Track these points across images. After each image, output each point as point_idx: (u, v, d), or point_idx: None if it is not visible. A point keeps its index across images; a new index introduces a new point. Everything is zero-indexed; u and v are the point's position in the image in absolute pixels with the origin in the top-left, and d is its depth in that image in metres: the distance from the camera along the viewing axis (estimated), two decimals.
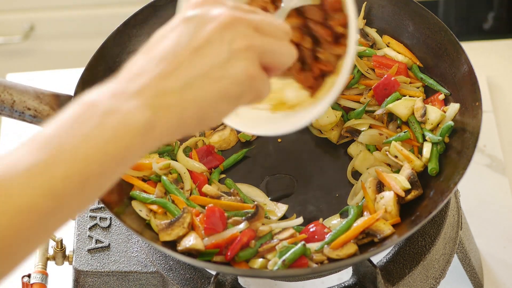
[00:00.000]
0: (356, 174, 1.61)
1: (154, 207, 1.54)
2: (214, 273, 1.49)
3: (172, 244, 1.48)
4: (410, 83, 1.66)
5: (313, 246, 1.47)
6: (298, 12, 1.39)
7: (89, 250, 1.59)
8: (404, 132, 1.59)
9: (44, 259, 1.60)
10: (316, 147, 1.68)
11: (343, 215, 1.56)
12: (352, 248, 1.46)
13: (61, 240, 1.61)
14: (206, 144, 1.67)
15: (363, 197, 1.55)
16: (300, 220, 1.54)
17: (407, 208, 1.52)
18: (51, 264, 1.62)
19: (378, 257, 1.54)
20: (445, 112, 1.58)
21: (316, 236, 1.49)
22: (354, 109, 1.67)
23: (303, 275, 1.52)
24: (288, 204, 1.59)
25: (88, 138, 0.99)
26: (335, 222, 1.55)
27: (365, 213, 1.53)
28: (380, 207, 1.50)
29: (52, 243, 1.62)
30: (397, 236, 1.45)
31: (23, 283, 1.57)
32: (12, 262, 0.99)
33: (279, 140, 1.68)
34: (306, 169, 1.64)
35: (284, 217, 1.57)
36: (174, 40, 1.09)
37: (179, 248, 1.46)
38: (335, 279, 1.68)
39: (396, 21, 1.69)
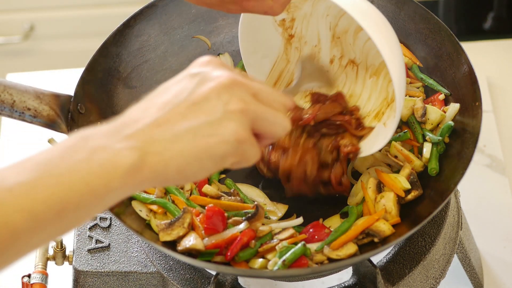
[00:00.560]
0: (356, 174, 1.61)
1: (154, 207, 1.54)
2: (214, 273, 1.49)
3: (172, 244, 1.48)
4: (410, 83, 1.66)
5: (313, 246, 1.47)
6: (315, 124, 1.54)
7: (89, 250, 1.59)
8: (404, 132, 1.59)
9: (44, 259, 1.60)
10: None
11: (343, 215, 1.56)
12: (352, 248, 1.46)
13: (61, 240, 1.61)
14: None
15: (363, 197, 1.55)
16: (300, 220, 1.54)
17: (407, 208, 1.52)
18: (51, 264, 1.62)
19: (378, 257, 1.54)
20: (445, 112, 1.58)
21: (316, 236, 1.49)
22: None
23: (303, 275, 1.52)
24: (288, 204, 1.59)
25: (74, 169, 1.04)
26: (335, 222, 1.55)
27: (365, 212, 1.53)
28: (380, 207, 1.50)
29: (52, 243, 1.62)
30: (397, 236, 1.45)
31: (23, 283, 1.57)
32: None
33: None
34: None
35: (284, 217, 1.57)
36: (175, 93, 1.14)
37: (179, 248, 1.46)
38: (335, 279, 1.68)
39: (396, 21, 1.69)
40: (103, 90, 1.63)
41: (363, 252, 1.47)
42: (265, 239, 1.48)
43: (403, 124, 1.62)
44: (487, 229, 1.90)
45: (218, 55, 1.76)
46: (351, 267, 1.54)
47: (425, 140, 1.58)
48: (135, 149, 1.07)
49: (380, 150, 1.60)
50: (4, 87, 1.48)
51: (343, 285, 1.53)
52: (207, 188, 1.57)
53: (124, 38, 1.67)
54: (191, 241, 1.45)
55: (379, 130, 1.55)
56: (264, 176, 1.60)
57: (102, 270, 1.57)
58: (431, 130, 1.58)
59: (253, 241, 1.46)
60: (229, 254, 1.45)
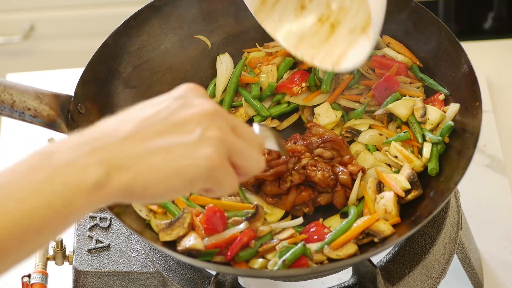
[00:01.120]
0: None
1: (154, 207, 1.54)
2: (214, 273, 1.49)
3: (172, 244, 1.48)
4: (410, 83, 1.66)
5: (313, 246, 1.47)
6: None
7: (89, 250, 1.59)
8: (404, 132, 1.59)
9: (44, 259, 1.60)
10: None
11: (343, 215, 1.56)
12: (352, 248, 1.46)
13: (61, 240, 1.61)
14: None
15: (363, 197, 1.55)
16: (300, 220, 1.54)
17: (407, 208, 1.52)
18: (51, 264, 1.62)
19: (378, 257, 1.54)
20: (445, 112, 1.58)
21: (316, 236, 1.49)
22: (354, 109, 1.67)
23: (303, 275, 1.52)
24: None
25: (36, 191, 1.00)
26: (335, 222, 1.55)
27: (365, 212, 1.53)
28: (380, 207, 1.50)
29: (52, 243, 1.62)
30: (397, 236, 1.45)
31: (23, 283, 1.57)
32: None
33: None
34: None
35: (282, 218, 1.57)
36: (155, 111, 1.12)
37: (179, 248, 1.46)
38: (335, 279, 1.68)
39: (396, 21, 1.69)
40: (103, 90, 1.63)
41: (363, 252, 1.47)
42: (265, 239, 1.48)
43: (403, 124, 1.62)
44: (487, 229, 1.90)
45: (218, 55, 1.76)
46: (351, 267, 1.54)
47: (425, 140, 1.58)
48: (101, 164, 1.04)
49: (378, 149, 1.60)
50: (4, 87, 1.48)
51: (343, 285, 1.53)
52: None
53: (124, 38, 1.67)
54: (191, 241, 1.45)
55: (364, 43, 1.53)
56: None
57: (102, 270, 1.57)
58: (431, 130, 1.58)
59: (253, 241, 1.46)
60: (229, 254, 1.45)
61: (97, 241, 1.60)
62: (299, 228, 1.52)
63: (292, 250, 1.44)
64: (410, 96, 1.63)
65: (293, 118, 1.72)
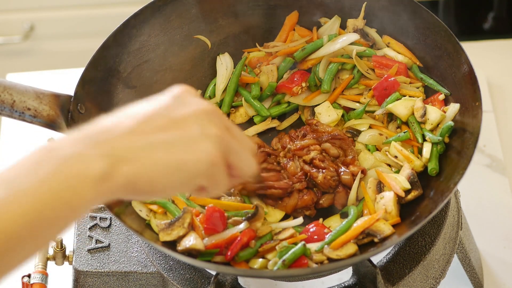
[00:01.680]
0: None
1: (154, 207, 1.54)
2: (214, 273, 1.49)
3: (172, 244, 1.48)
4: (410, 83, 1.66)
5: (313, 246, 1.47)
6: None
7: (89, 250, 1.59)
8: (404, 132, 1.59)
9: (44, 259, 1.60)
10: None
11: (343, 215, 1.56)
12: (352, 248, 1.46)
13: (61, 240, 1.61)
14: None
15: (363, 197, 1.55)
16: (300, 220, 1.54)
17: (407, 208, 1.52)
18: (51, 264, 1.62)
19: (378, 257, 1.54)
20: (445, 112, 1.58)
21: (316, 236, 1.49)
22: (354, 109, 1.67)
23: (303, 275, 1.52)
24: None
25: (44, 182, 1.01)
26: (335, 222, 1.55)
27: (365, 212, 1.53)
28: (380, 207, 1.50)
29: (52, 243, 1.62)
30: (397, 236, 1.45)
31: (23, 283, 1.57)
32: None
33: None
34: None
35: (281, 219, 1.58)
36: (156, 107, 1.14)
37: (179, 248, 1.46)
38: (335, 279, 1.68)
39: (396, 21, 1.69)
40: (103, 90, 1.63)
41: (363, 252, 1.47)
42: (265, 239, 1.48)
43: (403, 124, 1.62)
44: (487, 229, 1.90)
45: (218, 55, 1.76)
46: (351, 267, 1.54)
47: (425, 140, 1.58)
48: (106, 156, 1.05)
49: (378, 149, 1.60)
50: (4, 87, 1.48)
51: (343, 285, 1.53)
52: None
53: (124, 38, 1.67)
54: (191, 241, 1.45)
55: None
56: None
57: (102, 270, 1.57)
58: (431, 130, 1.58)
59: (253, 241, 1.46)
60: (229, 254, 1.45)
61: (97, 241, 1.60)
62: (299, 228, 1.52)
63: (292, 250, 1.44)
64: (410, 96, 1.63)
65: (293, 118, 1.72)
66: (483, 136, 1.74)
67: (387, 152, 1.59)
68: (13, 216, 0.98)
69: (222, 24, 1.76)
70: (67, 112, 1.54)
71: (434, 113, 1.58)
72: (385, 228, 1.47)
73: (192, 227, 1.49)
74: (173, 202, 1.54)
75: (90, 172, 1.03)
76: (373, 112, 1.66)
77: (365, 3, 1.71)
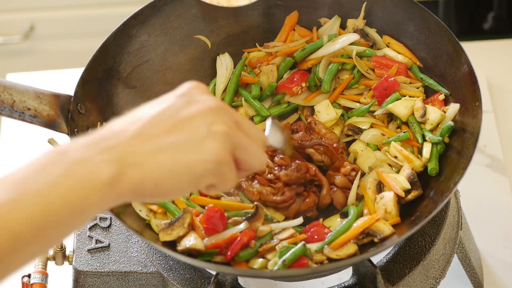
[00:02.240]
0: None
1: (154, 207, 1.54)
2: (214, 273, 1.49)
3: (172, 244, 1.48)
4: (410, 83, 1.66)
5: (313, 246, 1.47)
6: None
7: (89, 250, 1.59)
8: (404, 132, 1.59)
9: (44, 259, 1.60)
10: None
11: (343, 215, 1.56)
12: (352, 248, 1.46)
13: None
14: None
15: (363, 197, 1.55)
16: (300, 220, 1.54)
17: (407, 208, 1.52)
18: (51, 264, 1.62)
19: (378, 257, 1.54)
20: (445, 112, 1.58)
21: (316, 236, 1.49)
22: (353, 109, 1.67)
23: (303, 275, 1.52)
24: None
25: (53, 184, 1.02)
26: (335, 222, 1.55)
27: (365, 212, 1.53)
28: (380, 207, 1.50)
29: None
30: (397, 236, 1.45)
31: (23, 283, 1.57)
32: None
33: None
34: None
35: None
36: (161, 110, 1.14)
37: (179, 248, 1.46)
38: (335, 279, 1.68)
39: (396, 21, 1.69)
40: (103, 90, 1.63)
41: (363, 252, 1.47)
42: (265, 239, 1.48)
43: (403, 124, 1.62)
44: (487, 229, 1.90)
45: (218, 55, 1.76)
46: (351, 267, 1.54)
47: (425, 140, 1.58)
48: (114, 162, 1.06)
49: (379, 149, 1.60)
50: (4, 87, 1.48)
51: (343, 285, 1.53)
52: None
53: (124, 38, 1.67)
54: (191, 241, 1.45)
55: None
56: None
57: (102, 270, 1.57)
58: (431, 130, 1.58)
59: (253, 241, 1.46)
60: (229, 254, 1.45)
61: (97, 241, 1.60)
62: (299, 228, 1.52)
63: (292, 250, 1.44)
64: (410, 96, 1.63)
65: (293, 118, 1.72)
66: (483, 136, 1.74)
67: (387, 152, 1.59)
68: (21, 217, 0.99)
69: (222, 24, 1.76)
70: (67, 112, 1.54)
71: (434, 113, 1.58)
72: (385, 228, 1.47)
73: (192, 227, 1.49)
74: (173, 202, 1.54)
75: (99, 177, 1.04)
76: (373, 112, 1.66)
77: (365, 3, 1.72)
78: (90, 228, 1.62)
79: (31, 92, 1.51)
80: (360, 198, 1.56)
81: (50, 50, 2.97)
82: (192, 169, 1.11)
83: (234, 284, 1.50)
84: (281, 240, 1.47)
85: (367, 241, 1.48)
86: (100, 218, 1.63)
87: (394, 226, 1.48)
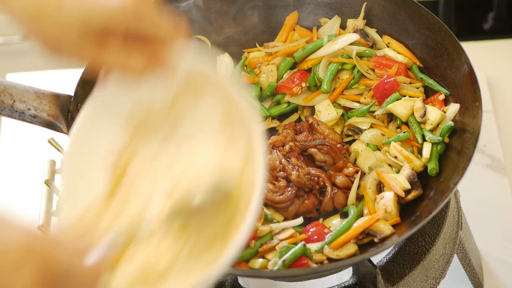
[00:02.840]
0: None
1: None
2: None
3: None
4: (410, 83, 1.66)
5: (313, 246, 1.47)
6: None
7: None
8: (404, 133, 1.59)
9: None
10: None
11: (343, 215, 1.56)
12: (352, 248, 1.46)
13: None
14: None
15: (363, 197, 1.55)
16: (300, 220, 1.54)
17: (407, 208, 1.52)
18: None
19: (378, 257, 1.54)
20: (445, 112, 1.58)
21: (316, 236, 1.49)
22: (354, 109, 1.67)
23: (303, 275, 1.52)
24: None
25: None
26: (335, 222, 1.55)
27: (365, 212, 1.53)
28: (380, 207, 1.50)
29: None
30: (397, 236, 1.45)
31: None
32: None
33: None
34: None
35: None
36: None
37: None
38: (335, 279, 1.68)
39: (396, 21, 1.69)
40: None
41: (363, 252, 1.47)
42: (265, 239, 1.48)
43: (403, 124, 1.62)
44: (487, 229, 1.90)
45: (218, 55, 1.76)
46: (351, 267, 1.54)
47: (425, 140, 1.58)
48: None
49: (379, 149, 1.60)
50: (4, 87, 1.48)
51: (343, 285, 1.53)
52: None
53: None
54: None
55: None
56: None
57: None
58: (431, 130, 1.58)
59: (253, 241, 1.46)
60: None
61: None
62: (299, 228, 1.52)
63: (292, 250, 1.44)
64: (410, 96, 1.63)
65: (293, 118, 1.72)
66: (483, 136, 1.74)
67: (387, 153, 1.59)
68: None
69: (222, 24, 1.76)
70: (67, 112, 1.54)
71: (434, 113, 1.58)
72: (385, 228, 1.47)
73: None
74: None
75: None
76: (373, 112, 1.66)
77: (365, 3, 1.72)
78: None
79: (31, 92, 1.51)
80: (360, 198, 1.56)
81: None
82: None
83: (234, 284, 1.50)
84: (281, 240, 1.47)
85: (367, 241, 1.48)
86: None
87: (394, 226, 1.48)
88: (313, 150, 1.59)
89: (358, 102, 1.68)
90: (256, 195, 1.16)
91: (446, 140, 1.57)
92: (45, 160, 1.74)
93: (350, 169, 1.57)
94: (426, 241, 1.55)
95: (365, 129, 1.64)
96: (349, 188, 1.56)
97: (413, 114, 1.60)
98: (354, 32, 1.72)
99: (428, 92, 1.65)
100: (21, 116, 1.50)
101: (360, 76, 1.69)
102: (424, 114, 1.58)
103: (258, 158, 1.18)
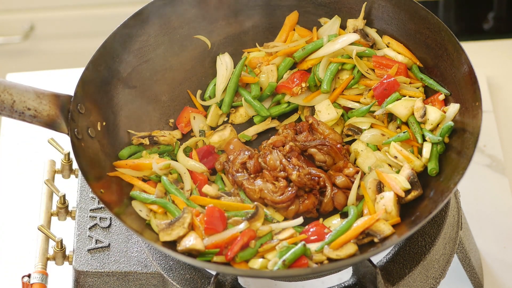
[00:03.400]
0: None
1: (154, 207, 1.54)
2: (214, 273, 1.49)
3: (172, 244, 1.48)
4: (410, 83, 1.66)
5: (313, 246, 1.47)
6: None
7: (89, 250, 1.59)
8: (404, 133, 1.59)
9: (44, 259, 1.60)
10: None
11: (343, 215, 1.56)
12: (352, 248, 1.46)
13: (61, 240, 1.60)
14: (206, 144, 1.67)
15: (363, 197, 1.55)
16: (300, 220, 1.54)
17: (407, 208, 1.52)
18: (51, 264, 1.62)
19: (378, 257, 1.54)
20: (445, 112, 1.58)
21: (316, 236, 1.49)
22: (354, 109, 1.67)
23: (303, 275, 1.52)
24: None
25: None
26: (335, 222, 1.55)
27: (365, 212, 1.53)
28: (380, 207, 1.50)
29: (52, 243, 1.62)
30: (397, 236, 1.45)
31: (23, 283, 1.57)
32: None
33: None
34: None
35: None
36: None
37: (179, 248, 1.46)
38: (335, 279, 1.68)
39: (396, 21, 1.69)
40: (103, 90, 1.63)
41: (363, 252, 1.47)
42: (265, 239, 1.48)
43: (403, 124, 1.62)
44: (487, 229, 1.91)
45: (218, 55, 1.76)
46: (351, 267, 1.54)
47: (425, 140, 1.58)
48: None
49: (379, 149, 1.60)
50: (4, 87, 1.48)
51: (343, 285, 1.53)
52: (207, 188, 1.57)
53: (124, 38, 1.67)
54: (191, 241, 1.46)
55: None
56: None
57: (102, 270, 1.57)
58: (431, 130, 1.58)
59: (253, 241, 1.46)
60: (229, 254, 1.45)
61: (97, 241, 1.60)
62: (299, 228, 1.52)
63: (292, 250, 1.44)
64: (410, 96, 1.63)
65: (293, 118, 1.72)
66: (483, 136, 1.74)
67: (387, 153, 1.59)
68: None
69: (222, 24, 1.76)
70: (67, 112, 1.54)
71: (434, 113, 1.58)
72: (385, 228, 1.47)
73: (192, 227, 1.49)
74: (173, 202, 1.54)
75: None
76: (373, 112, 1.66)
77: (365, 3, 1.72)
78: (90, 228, 1.62)
79: (31, 92, 1.51)
80: (360, 198, 1.56)
81: (50, 50, 2.97)
82: None
83: (234, 284, 1.50)
84: (281, 240, 1.47)
85: (367, 241, 1.48)
86: (100, 218, 1.63)
87: (394, 226, 1.48)
88: (313, 150, 1.59)
89: (358, 102, 1.68)
90: None
91: (446, 140, 1.57)
92: (45, 160, 1.74)
93: (350, 170, 1.57)
94: (426, 241, 1.56)
95: (365, 129, 1.64)
96: (349, 188, 1.56)
97: (413, 114, 1.60)
98: (354, 32, 1.72)
99: (428, 92, 1.65)
100: (21, 116, 1.50)
101: (360, 76, 1.69)
102: (424, 114, 1.58)
103: None
